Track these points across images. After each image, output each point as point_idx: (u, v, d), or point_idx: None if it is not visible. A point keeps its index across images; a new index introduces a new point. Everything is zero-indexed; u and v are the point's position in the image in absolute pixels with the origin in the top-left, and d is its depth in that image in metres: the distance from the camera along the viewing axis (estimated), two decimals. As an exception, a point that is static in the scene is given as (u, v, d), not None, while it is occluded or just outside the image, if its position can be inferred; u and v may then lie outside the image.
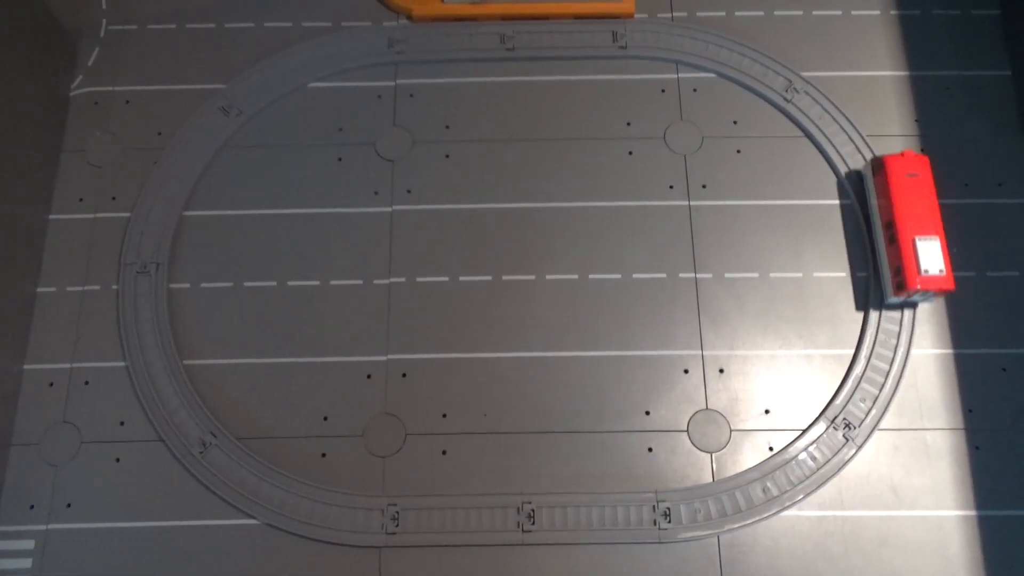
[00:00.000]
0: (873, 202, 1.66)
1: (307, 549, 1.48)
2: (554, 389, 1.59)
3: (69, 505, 1.52)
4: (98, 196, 1.73)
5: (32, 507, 1.52)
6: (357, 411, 1.58)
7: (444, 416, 1.58)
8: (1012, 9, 1.84)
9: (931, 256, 1.53)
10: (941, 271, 1.52)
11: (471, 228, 1.70)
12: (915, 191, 1.59)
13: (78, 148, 1.76)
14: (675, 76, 1.81)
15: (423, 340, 1.62)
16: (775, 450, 1.55)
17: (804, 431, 1.56)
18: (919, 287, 1.52)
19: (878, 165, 1.65)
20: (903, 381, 1.58)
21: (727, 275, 1.66)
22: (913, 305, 1.62)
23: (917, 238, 1.54)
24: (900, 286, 1.56)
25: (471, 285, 1.66)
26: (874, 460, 1.54)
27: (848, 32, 1.85)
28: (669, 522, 1.48)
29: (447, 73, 1.82)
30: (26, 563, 1.48)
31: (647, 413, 1.58)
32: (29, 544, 1.49)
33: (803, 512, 1.51)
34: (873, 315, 1.62)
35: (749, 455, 1.55)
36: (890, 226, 1.59)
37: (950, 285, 1.53)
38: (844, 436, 1.55)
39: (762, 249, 1.68)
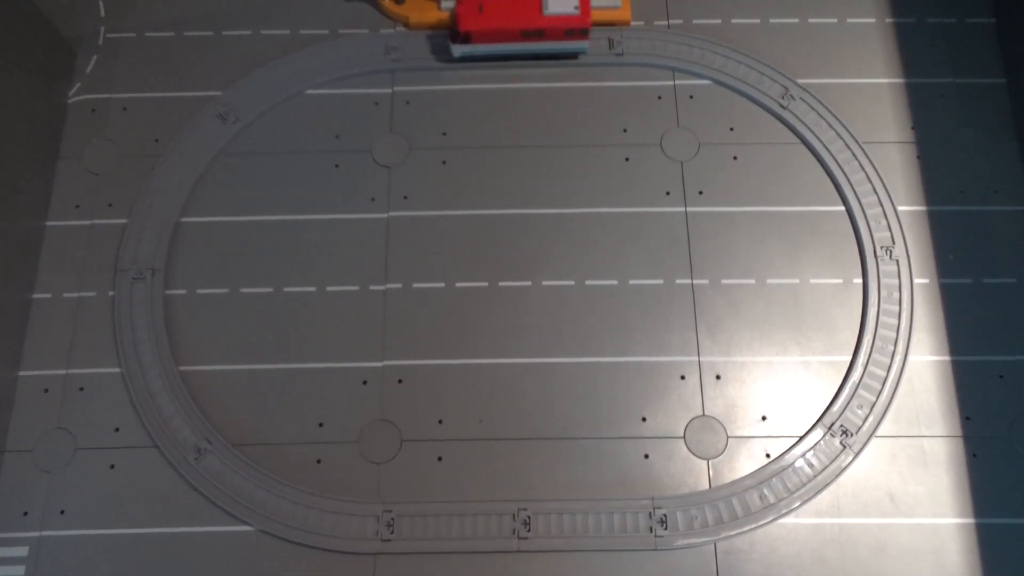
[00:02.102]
0: (504, 49, 1.78)
1: (302, 556, 1.48)
2: (550, 395, 1.58)
3: (63, 512, 1.51)
4: (95, 203, 1.73)
5: (25, 513, 1.51)
6: (352, 417, 1.57)
7: (440, 422, 1.57)
8: (1007, 17, 1.85)
9: (562, 3, 1.71)
10: (576, 8, 1.71)
11: (467, 234, 1.70)
12: (500, 9, 1.73)
13: (75, 155, 1.77)
14: (671, 83, 1.82)
15: (419, 346, 1.62)
16: (772, 457, 1.54)
17: (801, 438, 1.55)
18: (592, 22, 1.74)
19: (463, 36, 1.74)
20: (900, 388, 1.58)
21: (724, 281, 1.66)
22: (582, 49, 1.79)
23: (544, 13, 1.71)
24: (571, 32, 1.74)
25: (467, 291, 1.66)
26: (871, 467, 1.53)
27: (844, 39, 1.86)
28: (665, 529, 1.48)
29: (444, 80, 1.82)
30: (19, 570, 1.47)
31: (644, 419, 1.57)
32: (23, 551, 1.49)
33: (800, 519, 1.50)
34: (870, 320, 1.62)
35: (746, 462, 1.54)
36: (526, 33, 1.73)
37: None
38: (841, 443, 1.54)
39: (758, 255, 1.68)
